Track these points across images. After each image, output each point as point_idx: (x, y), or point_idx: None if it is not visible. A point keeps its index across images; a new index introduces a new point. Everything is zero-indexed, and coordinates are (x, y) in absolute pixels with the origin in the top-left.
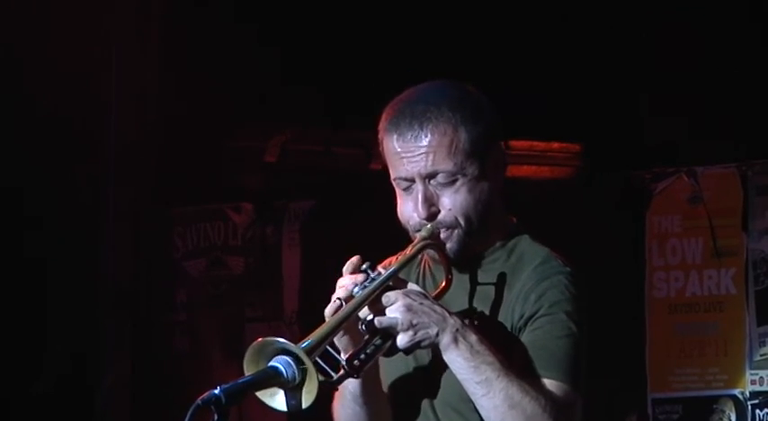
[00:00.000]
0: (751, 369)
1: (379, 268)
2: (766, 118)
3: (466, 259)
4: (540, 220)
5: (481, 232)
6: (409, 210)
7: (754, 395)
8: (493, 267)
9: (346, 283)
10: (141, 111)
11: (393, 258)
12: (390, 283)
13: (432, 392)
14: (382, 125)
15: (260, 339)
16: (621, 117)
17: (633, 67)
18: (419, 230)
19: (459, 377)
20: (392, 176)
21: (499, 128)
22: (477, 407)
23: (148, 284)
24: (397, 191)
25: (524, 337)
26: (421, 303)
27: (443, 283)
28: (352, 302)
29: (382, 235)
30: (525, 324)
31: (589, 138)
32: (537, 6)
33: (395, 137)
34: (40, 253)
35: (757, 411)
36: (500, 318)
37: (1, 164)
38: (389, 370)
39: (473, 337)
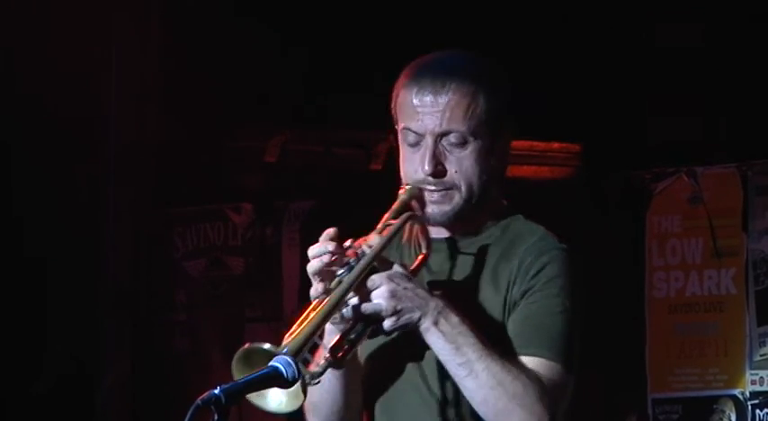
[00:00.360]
0: (751, 369)
1: (363, 245)
2: (766, 118)
3: (460, 232)
4: (540, 220)
5: (479, 203)
6: (414, 165)
7: (754, 395)
8: (487, 245)
9: (319, 253)
10: (141, 111)
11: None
12: (375, 265)
13: (417, 364)
14: (401, 80)
15: (246, 346)
16: (621, 117)
17: (633, 67)
18: (404, 184)
19: (441, 359)
20: (401, 126)
21: (513, 115)
22: (460, 388)
23: (148, 284)
24: (402, 146)
25: (518, 312)
26: (405, 288)
27: (421, 257)
28: (338, 290)
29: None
30: (521, 297)
31: (589, 138)
32: (537, 6)
33: (414, 90)
34: (40, 253)
35: (757, 411)
36: (494, 294)
37: (1, 164)
38: (368, 345)
39: (454, 319)
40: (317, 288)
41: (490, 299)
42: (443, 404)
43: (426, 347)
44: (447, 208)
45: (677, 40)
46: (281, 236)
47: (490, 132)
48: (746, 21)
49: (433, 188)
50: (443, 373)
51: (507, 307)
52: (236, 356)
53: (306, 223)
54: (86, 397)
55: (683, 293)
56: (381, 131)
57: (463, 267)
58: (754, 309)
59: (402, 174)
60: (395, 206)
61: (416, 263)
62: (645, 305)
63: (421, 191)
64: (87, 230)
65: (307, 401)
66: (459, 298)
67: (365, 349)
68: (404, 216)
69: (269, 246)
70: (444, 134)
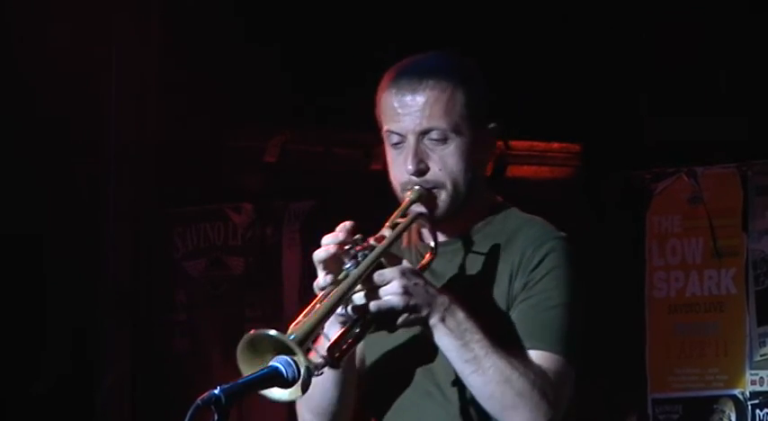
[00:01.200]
0: (751, 369)
1: (371, 241)
2: (766, 118)
3: (456, 232)
4: None
5: (467, 200)
6: (399, 167)
7: (754, 395)
8: (486, 240)
9: (328, 242)
10: (141, 111)
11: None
12: (383, 260)
13: (426, 364)
14: (383, 85)
15: (251, 332)
16: (621, 117)
17: (633, 67)
18: (408, 190)
19: (448, 355)
20: (384, 128)
21: (493, 108)
22: (467, 384)
23: (148, 284)
24: (387, 151)
25: (519, 305)
26: (415, 283)
27: (428, 255)
28: (345, 283)
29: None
30: (522, 289)
31: (589, 138)
32: (537, 7)
33: (394, 92)
34: (40, 253)
35: (757, 411)
36: (497, 289)
37: (1, 164)
38: (377, 342)
39: (461, 315)
40: (320, 278)
41: (493, 294)
42: (461, 410)
43: (436, 352)
44: (437, 209)
45: (677, 39)
46: (281, 236)
47: (472, 127)
48: (746, 20)
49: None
50: (458, 378)
51: (510, 299)
52: (241, 343)
53: (306, 223)
54: (86, 397)
55: (683, 293)
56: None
57: (464, 267)
58: (754, 308)
59: (391, 177)
60: (402, 206)
61: (424, 261)
62: (645, 305)
63: (428, 192)
64: (87, 230)
65: None
66: (466, 298)
67: (370, 355)
68: (413, 214)
69: (269, 246)
70: (425, 132)
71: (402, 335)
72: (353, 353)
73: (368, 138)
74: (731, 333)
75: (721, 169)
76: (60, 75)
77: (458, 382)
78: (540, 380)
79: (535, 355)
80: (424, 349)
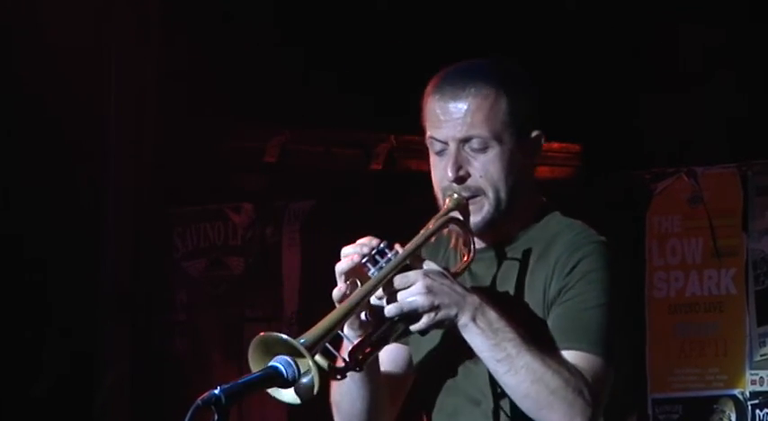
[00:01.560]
0: (751, 369)
1: (397, 247)
2: (766, 118)
3: (496, 237)
4: None
5: (509, 207)
6: (440, 173)
7: (754, 395)
8: (525, 246)
9: (350, 253)
10: (141, 111)
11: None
12: (408, 262)
13: (465, 365)
14: (427, 90)
15: (263, 333)
16: (621, 117)
17: (633, 67)
18: (449, 195)
19: (481, 356)
20: (427, 135)
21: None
22: (501, 384)
23: (148, 284)
24: (431, 155)
25: (556, 309)
26: (441, 283)
27: (465, 259)
28: (364, 287)
29: (382, 235)
30: (558, 294)
31: (589, 139)
32: (537, 7)
33: (437, 98)
34: (41, 253)
35: (757, 411)
36: (533, 295)
37: (1, 164)
38: (422, 345)
39: (492, 315)
40: (340, 288)
41: (530, 300)
42: (494, 412)
43: (475, 359)
44: (477, 218)
45: (677, 39)
46: (281, 236)
47: (515, 134)
48: (746, 21)
49: (464, 195)
50: (495, 386)
51: (546, 306)
52: (252, 344)
53: (306, 223)
54: (86, 397)
55: (683, 293)
56: (381, 131)
57: (503, 273)
58: (754, 309)
59: (434, 183)
60: (440, 214)
61: (460, 266)
62: (645, 305)
63: (466, 200)
64: (87, 230)
65: (332, 399)
66: (501, 303)
67: (416, 356)
68: (442, 219)
69: (269, 246)
70: (466, 140)
71: (443, 337)
72: (377, 360)
73: (368, 138)
74: (731, 333)
75: (721, 169)
76: (60, 75)
77: (495, 385)
78: (574, 379)
79: (571, 356)
80: (464, 350)
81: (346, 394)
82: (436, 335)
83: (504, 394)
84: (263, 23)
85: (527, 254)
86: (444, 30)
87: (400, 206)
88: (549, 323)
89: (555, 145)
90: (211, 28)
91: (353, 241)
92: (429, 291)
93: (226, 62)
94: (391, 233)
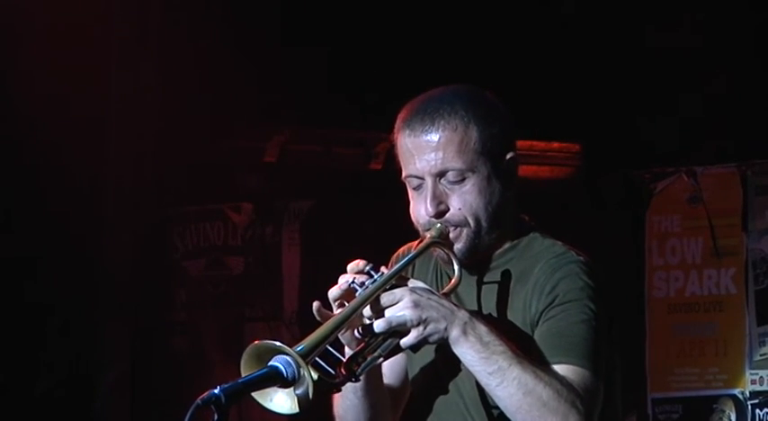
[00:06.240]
0: (751, 369)
1: (383, 269)
2: (766, 118)
3: (476, 261)
4: (540, 220)
5: (491, 233)
6: (419, 208)
7: (754, 395)
8: (505, 269)
9: (346, 278)
10: (141, 111)
11: (400, 253)
12: (393, 282)
13: (459, 391)
14: (397, 125)
15: (256, 342)
16: (621, 117)
17: (633, 67)
18: (428, 229)
19: (472, 370)
20: (403, 174)
21: (514, 132)
22: (493, 397)
23: (148, 284)
24: (409, 190)
25: (541, 327)
26: (428, 298)
27: (452, 281)
28: (354, 302)
29: (382, 234)
30: (540, 316)
31: (589, 138)
32: (537, 7)
33: (407, 133)
34: (41, 253)
35: (757, 411)
36: (513, 317)
37: (1, 164)
38: (415, 360)
39: (482, 328)
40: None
41: (514, 320)
42: None
43: (465, 373)
44: (459, 245)
45: (676, 39)
46: (281, 235)
47: (489, 160)
48: (746, 20)
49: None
50: (485, 401)
51: (530, 326)
52: (245, 353)
53: (306, 223)
54: (86, 397)
55: (682, 293)
56: (381, 131)
57: (486, 295)
58: (754, 308)
59: (412, 218)
60: (423, 244)
61: (448, 288)
62: (645, 305)
63: (447, 230)
64: (87, 230)
65: (335, 412)
66: (487, 320)
67: (411, 370)
68: (425, 242)
69: (269, 245)
70: (441, 174)
71: (434, 353)
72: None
73: (368, 138)
74: (731, 333)
75: (721, 169)
76: (60, 75)
77: (486, 400)
78: (566, 391)
79: (560, 369)
80: (454, 366)
81: (350, 408)
82: (428, 352)
83: (496, 408)
84: (264, 23)
85: (506, 275)
86: (445, 30)
87: (400, 206)
88: (536, 340)
89: (555, 145)
90: (212, 27)
91: (353, 241)
92: (416, 305)
93: (226, 61)
94: (391, 233)
